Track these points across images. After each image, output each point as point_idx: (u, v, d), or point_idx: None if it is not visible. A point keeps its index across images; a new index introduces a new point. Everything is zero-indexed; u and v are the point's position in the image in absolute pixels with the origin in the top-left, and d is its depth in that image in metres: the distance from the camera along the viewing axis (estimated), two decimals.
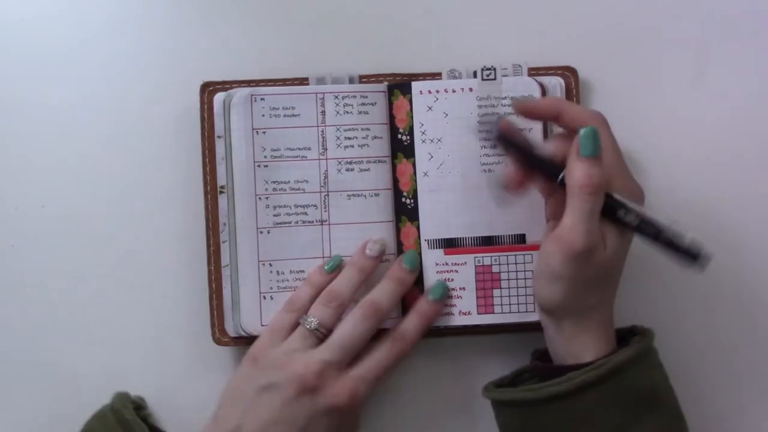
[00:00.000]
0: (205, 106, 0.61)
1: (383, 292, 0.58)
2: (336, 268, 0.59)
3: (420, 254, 0.60)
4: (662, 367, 0.55)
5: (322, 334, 0.57)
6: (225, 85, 0.61)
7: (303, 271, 0.60)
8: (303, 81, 0.61)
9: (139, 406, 0.60)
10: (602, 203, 0.51)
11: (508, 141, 0.54)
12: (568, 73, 0.62)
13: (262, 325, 0.59)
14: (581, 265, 0.51)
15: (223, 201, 0.60)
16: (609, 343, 0.54)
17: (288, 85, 0.61)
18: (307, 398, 0.54)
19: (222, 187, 0.60)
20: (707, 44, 0.64)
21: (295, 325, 0.58)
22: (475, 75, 0.61)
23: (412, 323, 0.58)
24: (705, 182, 0.63)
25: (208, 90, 0.61)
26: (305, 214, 0.60)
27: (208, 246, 0.61)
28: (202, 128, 0.61)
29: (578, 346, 0.54)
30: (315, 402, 0.54)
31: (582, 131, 0.51)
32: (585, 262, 0.51)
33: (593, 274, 0.52)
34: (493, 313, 0.60)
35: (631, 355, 0.53)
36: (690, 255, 0.48)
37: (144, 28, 0.64)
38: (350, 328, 0.56)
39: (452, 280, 0.60)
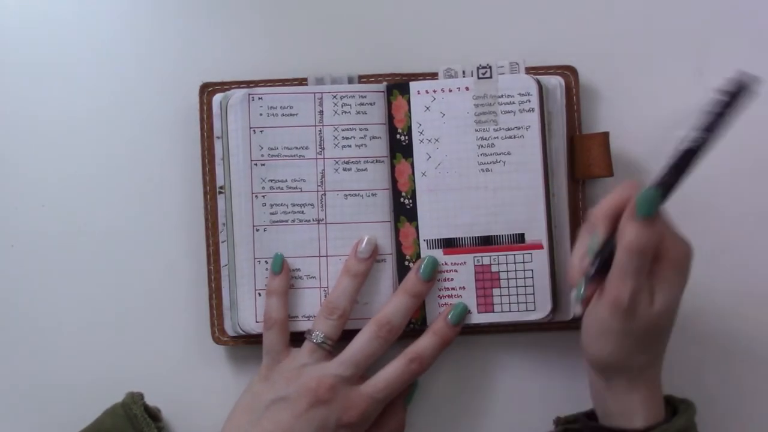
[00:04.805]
0: (205, 107, 0.61)
1: (397, 308, 0.58)
2: (280, 267, 0.59)
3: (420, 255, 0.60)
4: None
5: (329, 346, 0.57)
6: (224, 86, 0.61)
7: (299, 269, 0.60)
8: (302, 81, 0.61)
9: (155, 417, 0.59)
10: (649, 264, 0.50)
11: None
12: (568, 72, 0.62)
13: (257, 322, 0.60)
14: (626, 320, 0.50)
15: (221, 201, 0.60)
16: (659, 408, 0.53)
17: (287, 85, 0.61)
18: (317, 412, 0.54)
19: (221, 187, 0.60)
20: (707, 43, 0.63)
21: (285, 341, 0.58)
22: (472, 74, 0.61)
23: (430, 345, 0.57)
24: (705, 181, 0.62)
25: (208, 91, 0.61)
26: (302, 213, 0.60)
27: (208, 246, 0.61)
28: (202, 129, 0.61)
29: (628, 406, 0.52)
30: (325, 417, 0.55)
31: (642, 192, 0.50)
32: (630, 316, 0.50)
33: (640, 330, 0.50)
34: (493, 312, 0.60)
35: (685, 425, 0.52)
36: (739, 94, 0.47)
37: (144, 29, 0.64)
38: (363, 344, 0.57)
39: (452, 279, 0.60)
